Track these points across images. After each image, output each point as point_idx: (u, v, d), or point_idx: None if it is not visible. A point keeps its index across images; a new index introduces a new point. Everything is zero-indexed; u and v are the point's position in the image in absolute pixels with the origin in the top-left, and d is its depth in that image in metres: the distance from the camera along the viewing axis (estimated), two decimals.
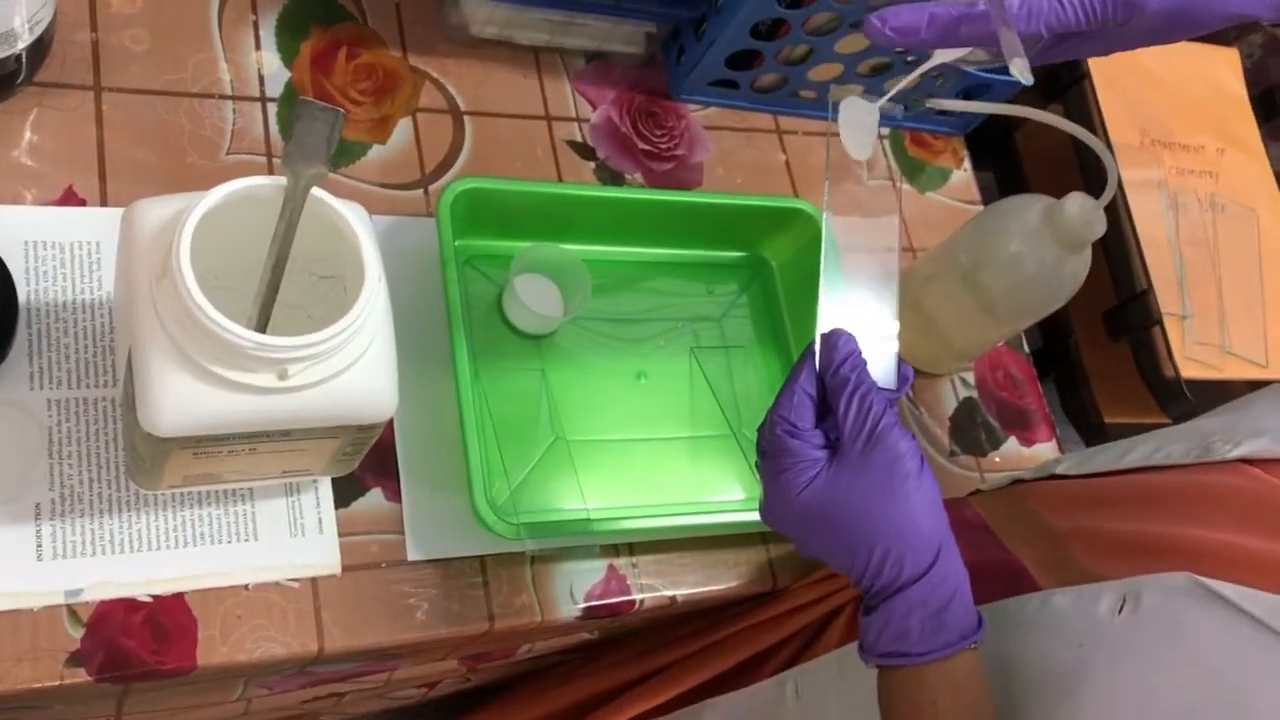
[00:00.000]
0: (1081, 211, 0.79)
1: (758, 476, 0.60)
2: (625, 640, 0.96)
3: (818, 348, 0.58)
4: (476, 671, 1.01)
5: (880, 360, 0.59)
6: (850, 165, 0.63)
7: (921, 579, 0.54)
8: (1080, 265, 0.83)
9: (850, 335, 0.58)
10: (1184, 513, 0.61)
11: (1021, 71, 0.55)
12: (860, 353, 0.57)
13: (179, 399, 0.54)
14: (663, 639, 0.91)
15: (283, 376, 0.54)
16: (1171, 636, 0.53)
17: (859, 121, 0.63)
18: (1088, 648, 0.56)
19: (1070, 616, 0.58)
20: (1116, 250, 1.15)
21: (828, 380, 0.57)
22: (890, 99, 0.63)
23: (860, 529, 0.55)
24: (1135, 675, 0.53)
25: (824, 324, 0.59)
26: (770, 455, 0.58)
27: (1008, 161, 1.31)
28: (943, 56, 0.60)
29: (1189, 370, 1.10)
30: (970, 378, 1.01)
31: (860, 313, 0.61)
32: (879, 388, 0.57)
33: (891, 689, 0.57)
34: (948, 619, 0.54)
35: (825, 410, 0.58)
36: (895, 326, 0.61)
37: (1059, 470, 0.72)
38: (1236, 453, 0.60)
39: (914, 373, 0.62)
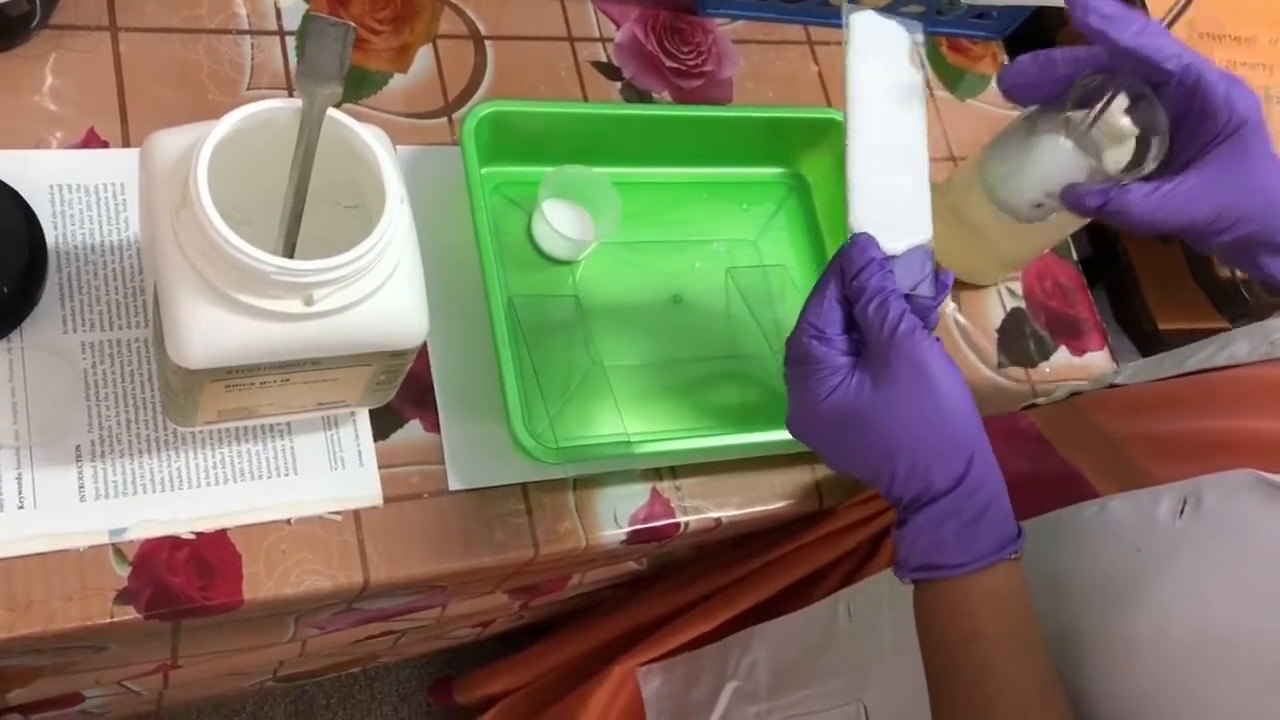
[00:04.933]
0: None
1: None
2: (674, 570, 0.96)
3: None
4: (528, 609, 1.01)
5: (914, 267, 0.57)
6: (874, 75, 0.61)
7: (954, 489, 0.52)
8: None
9: (872, 241, 0.56)
10: (1243, 407, 0.58)
11: None
12: (882, 258, 0.55)
13: (206, 329, 0.53)
14: (711, 565, 0.91)
15: (309, 302, 0.53)
16: (1233, 534, 0.51)
17: (877, 39, 0.61)
18: (1145, 552, 0.54)
19: (1128, 522, 0.56)
20: None
21: (848, 288, 0.55)
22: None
23: (886, 438, 0.53)
24: (1193, 577, 0.52)
25: (853, 229, 0.57)
26: (797, 362, 0.56)
27: None
28: None
29: None
30: (1018, 288, 0.98)
31: (892, 219, 0.59)
32: (918, 296, 0.55)
33: (927, 605, 0.55)
34: (983, 528, 0.52)
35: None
36: (930, 231, 0.59)
37: (1119, 381, 0.69)
38: None
39: (954, 279, 0.60)
